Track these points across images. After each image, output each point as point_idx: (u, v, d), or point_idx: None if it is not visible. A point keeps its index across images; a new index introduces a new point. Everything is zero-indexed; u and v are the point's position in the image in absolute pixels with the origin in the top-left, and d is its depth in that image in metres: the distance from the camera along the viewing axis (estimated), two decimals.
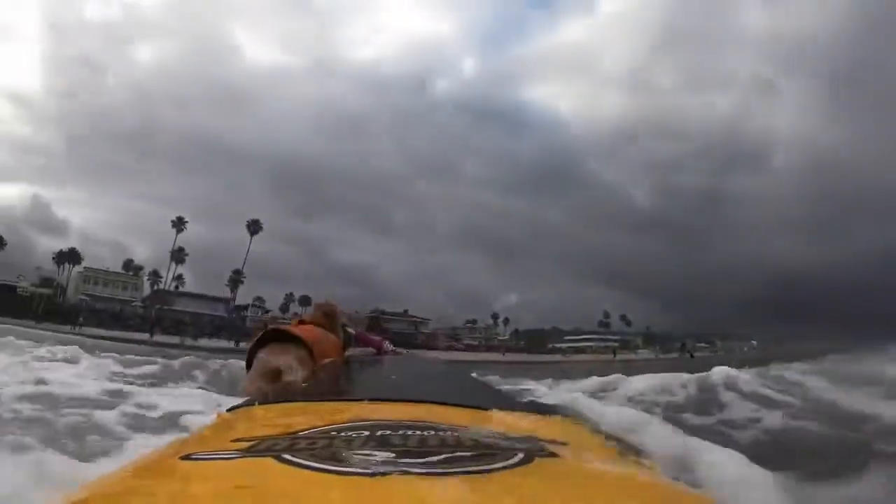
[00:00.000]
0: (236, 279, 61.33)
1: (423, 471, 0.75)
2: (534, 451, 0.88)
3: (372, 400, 1.47)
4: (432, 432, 1.00)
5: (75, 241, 68.55)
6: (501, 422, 1.33)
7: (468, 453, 0.85)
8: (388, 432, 0.99)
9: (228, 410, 1.44)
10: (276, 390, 2.27)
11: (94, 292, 56.22)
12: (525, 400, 2.15)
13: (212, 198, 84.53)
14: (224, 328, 50.97)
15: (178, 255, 60.25)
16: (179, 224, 62.27)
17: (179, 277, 63.15)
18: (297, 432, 1.00)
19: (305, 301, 64.45)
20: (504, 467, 0.78)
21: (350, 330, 4.06)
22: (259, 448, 0.87)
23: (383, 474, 0.73)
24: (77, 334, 29.94)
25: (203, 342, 38.80)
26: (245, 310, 62.03)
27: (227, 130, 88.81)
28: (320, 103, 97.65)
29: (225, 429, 1.19)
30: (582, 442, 1.21)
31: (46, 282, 55.79)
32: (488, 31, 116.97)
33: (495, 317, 77.30)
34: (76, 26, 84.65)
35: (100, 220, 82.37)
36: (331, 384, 2.56)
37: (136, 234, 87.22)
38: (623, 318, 74.70)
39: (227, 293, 62.14)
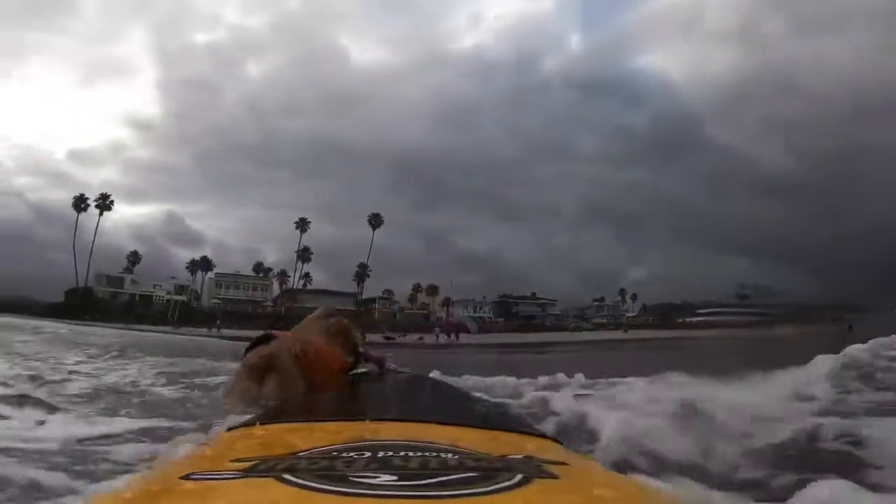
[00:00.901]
0: (362, 273, 64.57)
1: (425, 493, 0.76)
2: (533, 472, 0.89)
3: (373, 420, 1.47)
4: (433, 454, 1.00)
5: (210, 251, 75.21)
6: (501, 442, 1.34)
7: (469, 475, 0.86)
8: (390, 454, 0.99)
9: (229, 430, 1.43)
10: (277, 409, 2.25)
11: (226, 296, 59.13)
12: (525, 421, 2.28)
13: (333, 198, 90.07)
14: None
15: (304, 255, 63.44)
16: (303, 225, 66.63)
17: (307, 276, 67.50)
18: (298, 452, 1.00)
19: (433, 290, 66.95)
20: (504, 489, 0.79)
21: (360, 347, 4.01)
22: (260, 468, 0.88)
23: (386, 497, 0.74)
24: (216, 336, 32.91)
25: None
26: (373, 302, 65.17)
27: (341, 132, 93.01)
28: (430, 97, 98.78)
29: (225, 448, 1.20)
30: (581, 464, 1.22)
31: (181, 289, 59.71)
32: (590, 2, 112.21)
33: (622, 293, 75.01)
34: (186, 52, 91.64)
35: (230, 229, 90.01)
36: (332, 403, 2.53)
37: (265, 239, 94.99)
38: (761, 287, 69.66)
39: (354, 288, 65.66)
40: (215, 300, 60.30)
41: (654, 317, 65.67)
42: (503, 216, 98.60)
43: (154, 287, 62.29)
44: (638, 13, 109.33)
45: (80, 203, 61.15)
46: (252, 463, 0.91)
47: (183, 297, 59.73)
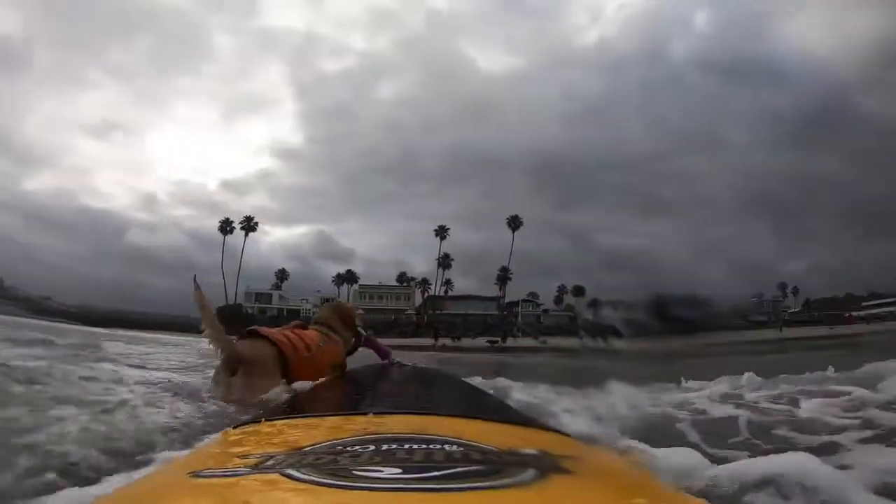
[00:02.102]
0: (504, 276, 68.10)
1: (431, 486, 0.76)
2: (544, 466, 0.88)
3: (377, 413, 1.46)
4: (438, 446, 0.99)
5: (360, 265, 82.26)
6: (509, 435, 1.34)
7: (476, 468, 0.85)
8: (394, 446, 0.98)
9: (235, 427, 1.44)
10: (282, 405, 2.27)
11: (370, 306, 61.75)
12: (530, 415, 2.11)
13: (473, 205, 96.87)
14: (494, 326, 51.73)
15: (445, 262, 65.62)
16: (442, 232, 72.19)
17: (448, 282, 72.18)
18: (303, 447, 1.00)
19: (579, 291, 68.52)
20: (514, 484, 0.77)
21: (362, 331, 4.14)
22: (265, 464, 0.88)
23: (391, 490, 0.74)
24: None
25: (465, 342, 40.34)
26: (516, 306, 67.83)
27: (477, 140, 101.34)
28: (561, 96, 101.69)
29: (231, 445, 1.21)
30: (593, 458, 1.23)
31: (326, 302, 61.96)
32: None
33: (783, 287, 70.19)
34: (320, 81, 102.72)
35: (377, 244, 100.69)
36: (336, 397, 2.57)
37: (410, 251, 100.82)
38: None
39: (497, 292, 68.75)
40: (359, 311, 62.90)
41: (818, 312, 59.92)
42: (649, 212, 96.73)
43: (301, 301, 68.00)
44: None
45: (225, 226, 70.07)
46: (258, 459, 0.92)
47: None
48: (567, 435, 1.55)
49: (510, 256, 67.99)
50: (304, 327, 3.80)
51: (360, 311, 4.20)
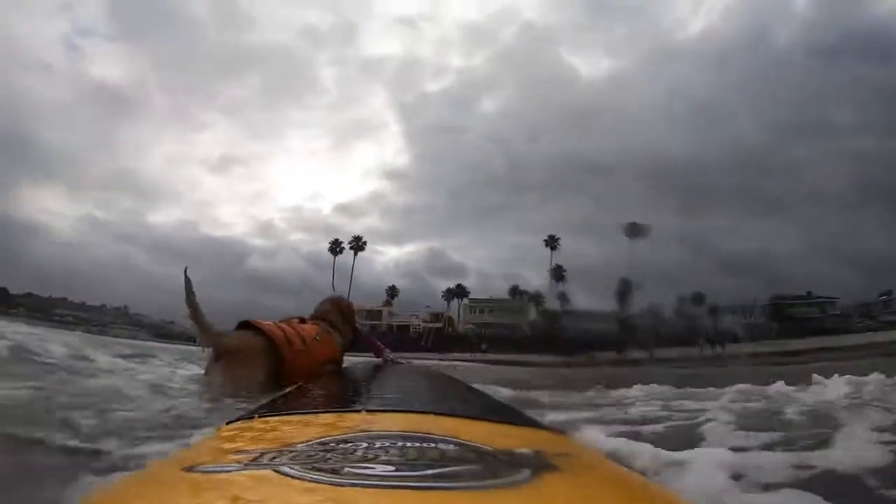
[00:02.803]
0: (624, 289, 68.43)
1: (424, 484, 0.77)
2: (538, 465, 0.92)
3: (370, 411, 1.51)
4: (432, 444, 1.02)
5: (472, 279, 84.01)
6: (504, 434, 1.36)
7: (469, 467, 0.88)
8: (388, 444, 1.02)
9: (228, 423, 1.50)
10: (275, 401, 2.28)
11: (480, 320, 64.09)
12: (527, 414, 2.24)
13: (585, 215, 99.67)
14: (615, 341, 56.40)
15: (557, 273, 66.77)
16: (552, 242, 74.04)
17: (562, 295, 72.14)
18: (296, 444, 1.03)
19: (698, 299, 67.82)
20: (507, 483, 0.79)
21: (360, 327, 4.25)
22: (259, 461, 0.91)
23: (383, 487, 0.76)
24: (480, 361, 37.43)
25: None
26: (636, 317, 67.69)
27: (585, 148, 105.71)
28: (666, 96, 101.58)
29: (225, 441, 1.23)
30: (586, 457, 1.25)
31: (435, 317, 65.18)
32: None
33: None
34: (423, 102, 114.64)
35: (489, 257, 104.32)
36: (330, 394, 2.59)
37: (522, 264, 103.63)
38: None
39: (615, 306, 69.29)
40: (469, 325, 65.50)
41: None
42: (765, 211, 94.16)
43: (410, 317, 70.53)
44: None
45: (335, 247, 75.71)
46: (251, 455, 0.94)
47: (439, 325, 65.42)
48: (563, 433, 1.62)
49: (628, 267, 68.97)
50: (304, 321, 3.89)
51: (361, 310, 6.11)
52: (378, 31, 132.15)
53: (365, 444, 1.00)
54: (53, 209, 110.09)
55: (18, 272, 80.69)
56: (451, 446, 1.01)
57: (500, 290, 76.00)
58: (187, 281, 3.24)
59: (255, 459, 0.91)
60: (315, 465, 0.85)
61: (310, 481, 0.77)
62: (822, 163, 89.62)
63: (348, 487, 0.75)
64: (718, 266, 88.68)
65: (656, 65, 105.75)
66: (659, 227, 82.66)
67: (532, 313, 72.42)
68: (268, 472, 0.82)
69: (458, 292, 74.63)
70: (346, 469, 0.83)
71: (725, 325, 59.61)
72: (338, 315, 4.02)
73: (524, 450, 1.03)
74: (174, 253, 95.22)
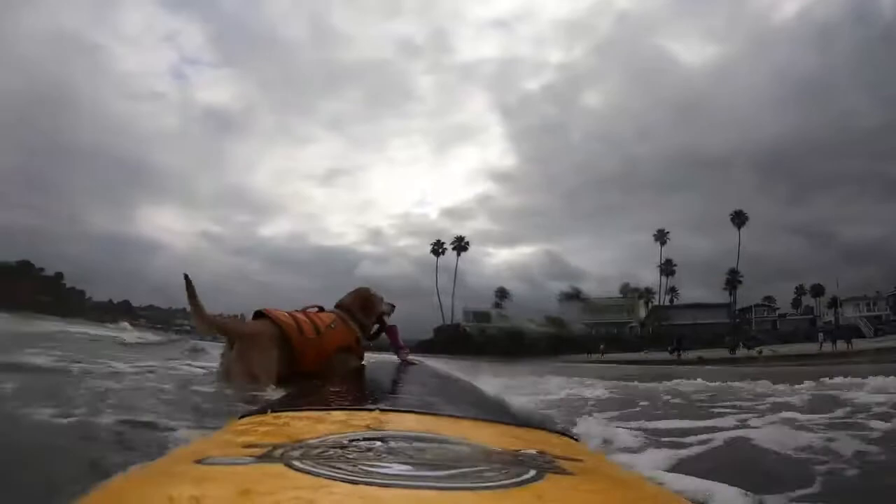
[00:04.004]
0: (733, 280, 68.36)
1: (437, 485, 0.79)
2: (546, 467, 0.95)
3: (384, 410, 1.53)
4: (445, 445, 1.06)
5: (590, 282, 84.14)
6: (515, 437, 1.39)
7: (480, 468, 0.90)
8: (401, 444, 1.04)
9: (241, 417, 1.53)
10: (289, 396, 2.30)
11: (594, 320, 67.25)
12: (540, 418, 2.19)
13: (697, 209, 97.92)
14: (727, 335, 54.93)
15: (667, 268, 66.44)
16: (661, 237, 73.00)
17: (672, 290, 72.83)
18: (309, 440, 1.04)
19: (818, 291, 67.30)
20: (517, 483, 0.81)
21: (385, 318, 4.30)
22: (271, 455, 0.92)
23: (397, 486, 0.77)
24: (599, 362, 38.69)
25: (689, 354, 40.30)
26: (749, 312, 67.77)
27: (693, 140, 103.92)
28: (770, 80, 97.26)
29: (237, 434, 1.24)
30: (595, 461, 1.29)
31: (550, 321, 65.22)
32: None
33: None
34: (525, 101, 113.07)
35: (605, 258, 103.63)
36: (343, 391, 2.60)
37: (637, 263, 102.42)
38: None
39: (726, 298, 69.22)
40: (580, 325, 65.44)
41: None
42: (887, 194, 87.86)
43: (527, 321, 69.20)
44: None
45: (437, 248, 76.92)
46: (263, 449, 0.95)
47: (553, 329, 65.65)
48: (573, 437, 1.66)
49: (738, 257, 68.30)
50: (322, 309, 4.04)
51: (388, 303, 4.30)
52: (472, 36, 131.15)
53: (377, 443, 1.03)
54: (171, 227, 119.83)
55: (140, 287, 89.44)
56: (462, 447, 1.05)
57: (614, 290, 76.25)
58: (188, 282, 3.44)
59: (266, 454, 0.93)
60: (326, 461, 0.88)
61: (320, 477, 0.79)
62: None
63: (359, 485, 0.76)
64: (838, 255, 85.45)
65: (757, 48, 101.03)
66: (772, 217, 79.95)
67: (642, 310, 72.69)
68: (279, 467, 0.84)
69: (574, 294, 74.76)
70: (358, 467, 0.85)
71: (849, 318, 56.56)
72: (357, 306, 4.08)
73: (533, 452, 1.07)
74: (286, 263, 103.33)
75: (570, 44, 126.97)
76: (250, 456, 0.91)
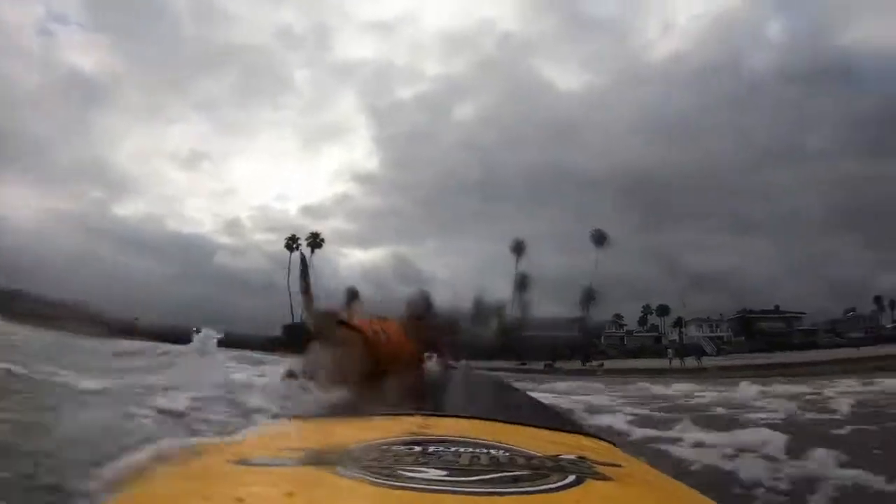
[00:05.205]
0: (587, 297, 69.77)
1: (475, 490, 0.80)
2: (586, 473, 0.95)
3: (425, 415, 1.56)
4: (484, 450, 1.06)
5: (439, 288, 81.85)
6: (553, 441, 1.40)
7: (519, 473, 0.92)
8: (441, 449, 1.05)
9: (281, 420, 1.59)
10: (327, 402, 2.38)
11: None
12: (578, 422, 2.31)
13: (556, 226, 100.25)
14: (577, 348, 55.26)
15: (522, 281, 66.37)
16: (518, 249, 71.29)
17: (526, 304, 71.96)
18: (348, 444, 1.06)
19: (663, 311, 70.38)
20: (556, 488, 0.83)
21: (439, 331, 4.33)
22: (311, 459, 0.95)
23: (436, 491, 0.78)
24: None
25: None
26: (600, 327, 69.84)
27: (559, 160, 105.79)
28: (640, 113, 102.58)
29: (277, 437, 1.30)
30: (635, 466, 1.29)
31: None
32: None
33: (878, 300, 70.07)
34: (396, 107, 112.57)
35: (457, 267, 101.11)
36: (383, 396, 2.65)
37: (491, 274, 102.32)
38: None
39: (579, 314, 70.18)
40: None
41: None
42: (737, 229, 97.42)
43: None
44: None
45: (291, 243, 72.71)
46: (302, 453, 0.98)
47: None
48: (611, 442, 1.66)
49: (593, 274, 70.31)
50: (384, 319, 4.10)
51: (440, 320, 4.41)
52: (353, 35, 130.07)
53: (417, 448, 1.04)
54: (15, 200, 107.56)
55: None
56: (502, 452, 1.05)
57: (467, 298, 74.82)
58: (303, 260, 3.56)
59: (305, 457, 0.95)
60: (367, 466, 0.87)
61: (359, 482, 0.79)
62: (795, 185, 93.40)
63: (398, 490, 0.77)
64: (685, 280, 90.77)
65: (629, 82, 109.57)
66: (627, 241, 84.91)
67: (494, 321, 71.61)
68: (321, 471, 0.85)
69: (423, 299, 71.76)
70: (397, 472, 0.85)
71: (692, 337, 60.49)
72: (415, 316, 4.07)
73: (572, 457, 1.07)
74: (139, 247, 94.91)
75: (448, 57, 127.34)
76: (289, 458, 0.96)
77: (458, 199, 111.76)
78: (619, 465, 1.14)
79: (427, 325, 4.09)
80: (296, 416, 1.67)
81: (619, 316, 71.95)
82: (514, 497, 0.77)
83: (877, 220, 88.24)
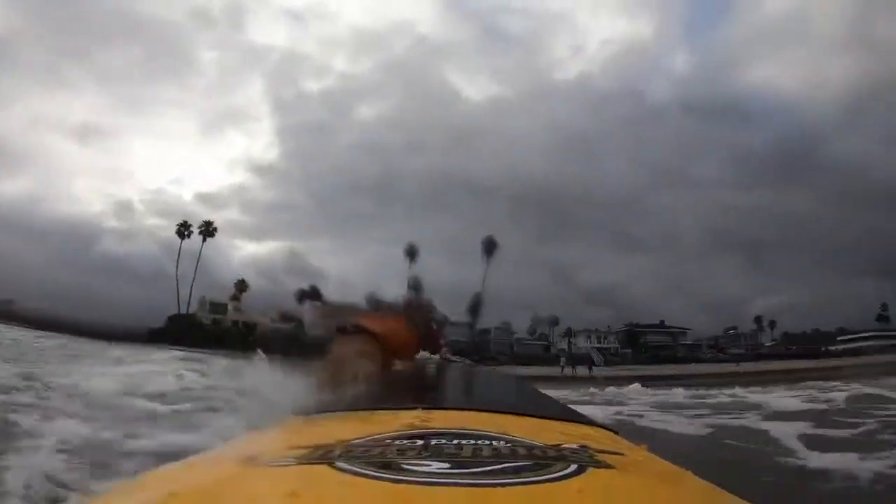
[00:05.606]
0: (476, 303, 65.10)
1: (478, 482, 0.81)
2: (588, 461, 0.96)
3: (426, 408, 1.56)
4: (486, 442, 1.07)
5: (330, 285, 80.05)
6: (555, 431, 1.43)
7: (522, 463, 0.91)
8: (443, 441, 1.07)
9: (285, 418, 1.60)
10: (331, 398, 2.42)
11: (333, 326, 60.78)
12: (576, 411, 2.37)
13: (451, 233, 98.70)
14: (464, 352, 52.05)
15: (414, 284, 64.33)
16: (411, 252, 67.83)
17: None
18: (351, 440, 1.08)
19: (554, 321, 71.55)
20: (559, 478, 0.83)
21: (435, 327, 4.73)
22: (314, 456, 0.94)
23: (438, 485, 0.78)
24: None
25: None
26: (489, 333, 70.51)
27: (459, 168, 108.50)
28: (543, 129, 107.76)
29: (280, 437, 1.32)
30: (637, 454, 1.30)
31: (286, 317, 61.60)
32: (690, 22, 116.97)
33: (758, 321, 75.79)
34: (300, 100, 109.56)
35: (351, 266, 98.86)
36: (385, 391, 2.76)
37: (383, 274, 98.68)
38: None
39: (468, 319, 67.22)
40: (321, 329, 62.66)
41: (795, 346, 63.33)
42: (627, 248, 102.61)
43: (261, 315, 64.78)
44: (743, 25, 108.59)
45: (183, 230, 70.45)
46: (306, 451, 0.98)
47: (289, 326, 62.08)
48: (613, 431, 1.69)
49: (484, 280, 69.71)
50: (389, 314, 4.42)
51: (441, 313, 4.84)
52: (267, 21, 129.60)
53: (419, 442, 1.05)
54: None
55: None
56: (504, 443, 1.06)
57: (356, 297, 73.10)
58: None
59: (311, 454, 0.95)
60: (371, 461, 0.88)
61: (364, 477, 0.79)
62: (684, 210, 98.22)
63: (402, 484, 0.77)
64: (579, 296, 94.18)
65: (535, 98, 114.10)
66: (520, 251, 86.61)
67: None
68: (324, 468, 0.85)
69: (312, 294, 69.93)
70: (400, 466, 0.86)
71: (581, 348, 61.85)
72: (415, 312, 4.43)
73: (574, 446, 1.08)
74: (16, 227, 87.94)
75: (359, 54, 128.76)
76: (294, 457, 0.95)
77: (355, 198, 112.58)
78: (622, 454, 1.16)
79: (425, 322, 4.38)
80: (298, 413, 1.64)
81: (507, 323, 72.94)
82: (517, 487, 0.78)
83: (755, 248, 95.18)
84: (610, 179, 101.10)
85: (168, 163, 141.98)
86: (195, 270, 69.50)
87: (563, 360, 46.17)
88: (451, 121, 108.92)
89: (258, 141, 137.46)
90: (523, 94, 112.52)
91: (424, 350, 4.60)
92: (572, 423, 1.65)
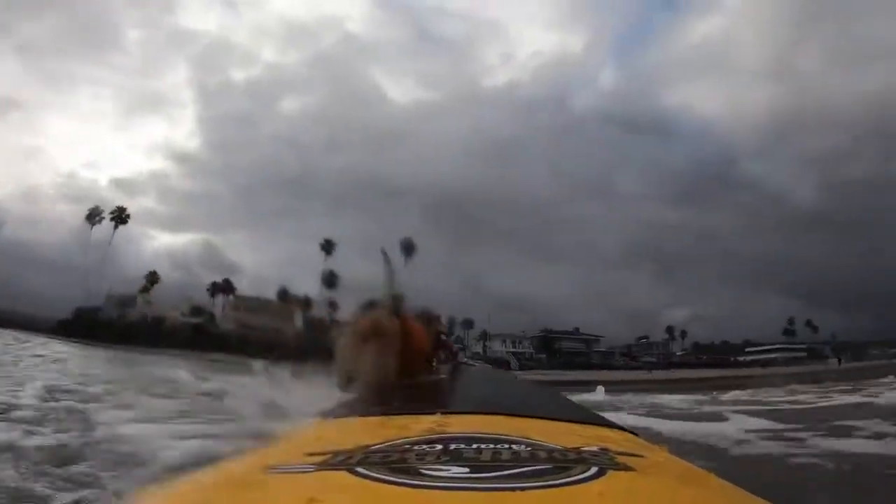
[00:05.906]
0: (396, 303, 62.32)
1: (498, 486, 0.81)
2: (608, 464, 0.95)
3: (445, 412, 1.57)
4: (505, 446, 1.08)
5: (244, 279, 78.08)
6: (575, 434, 1.44)
7: (541, 466, 0.91)
8: (462, 446, 1.07)
9: (305, 423, 1.61)
10: (350, 402, 2.45)
11: (246, 321, 59.42)
12: (598, 414, 2.35)
13: (369, 232, 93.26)
14: None
15: (330, 280, 63.30)
16: (328, 247, 67.23)
17: (333, 304, 69.45)
18: (370, 446, 1.08)
19: (469, 324, 75.28)
20: (579, 481, 0.83)
21: (444, 337, 4.90)
22: (333, 461, 0.94)
23: (458, 489, 0.79)
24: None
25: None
26: None
27: (380, 168, 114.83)
28: (466, 134, 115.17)
29: (299, 441, 1.31)
30: (657, 456, 1.30)
31: (197, 311, 60.15)
32: (619, 40, 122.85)
33: (670, 331, 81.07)
34: (225, 88, 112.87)
35: (266, 260, 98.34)
36: (404, 395, 2.71)
37: (299, 271, 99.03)
38: (808, 324, 77.36)
39: None
40: (232, 326, 61.26)
41: (706, 355, 66.99)
42: (545, 255, 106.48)
43: (170, 309, 64.19)
44: (669, 48, 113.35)
45: (93, 216, 68.83)
46: (326, 456, 0.99)
47: (198, 320, 60.27)
48: (633, 433, 1.69)
49: (393, 281, 68.43)
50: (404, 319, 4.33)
51: (443, 324, 5.06)
52: (198, 4, 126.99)
53: (440, 447, 1.07)
54: None
55: None
56: (523, 447, 1.08)
57: (270, 292, 73.90)
58: (386, 258, 4.49)
59: (330, 460, 0.98)
60: (390, 466, 0.91)
61: (385, 483, 0.81)
62: (601, 221, 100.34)
63: (422, 489, 0.79)
64: (494, 301, 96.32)
65: (461, 102, 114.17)
66: (440, 257, 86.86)
67: (300, 319, 69.10)
68: (342, 474, 0.87)
69: (225, 287, 71.10)
70: (419, 471, 0.88)
71: (496, 351, 62.24)
72: (426, 320, 4.55)
73: (594, 448, 1.11)
74: None
75: (287, 46, 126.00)
76: (314, 463, 0.98)
77: (274, 192, 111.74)
78: (642, 456, 1.15)
79: (437, 328, 4.59)
80: (319, 418, 1.67)
81: None
82: (537, 491, 0.79)
83: (670, 262, 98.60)
84: (531, 188, 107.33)
85: (85, 144, 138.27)
86: (104, 260, 66.40)
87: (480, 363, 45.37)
88: (374, 121, 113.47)
89: (180, 128, 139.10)
90: (450, 98, 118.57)
91: (437, 356, 4.80)
92: (591, 426, 1.64)
